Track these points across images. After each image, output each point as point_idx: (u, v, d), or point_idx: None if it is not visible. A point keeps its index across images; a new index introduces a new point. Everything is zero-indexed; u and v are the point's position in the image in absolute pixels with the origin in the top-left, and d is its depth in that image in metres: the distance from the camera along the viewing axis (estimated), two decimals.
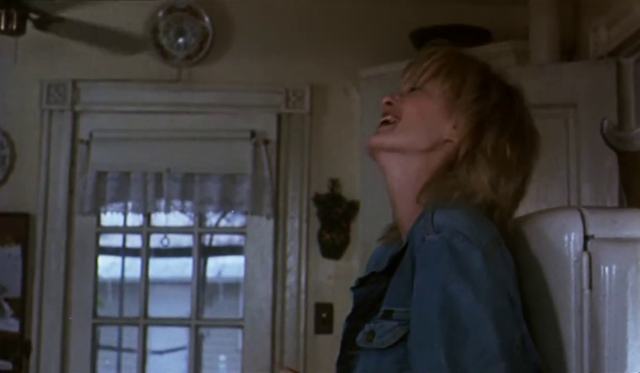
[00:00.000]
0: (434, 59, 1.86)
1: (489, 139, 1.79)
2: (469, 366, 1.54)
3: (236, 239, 6.04)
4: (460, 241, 1.61)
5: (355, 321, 1.79)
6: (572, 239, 1.68)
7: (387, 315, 1.70)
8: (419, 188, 1.77)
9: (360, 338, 1.74)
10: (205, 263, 5.76)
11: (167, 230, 5.46)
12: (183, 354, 5.49)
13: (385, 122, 1.84)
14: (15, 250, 4.82)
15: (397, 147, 1.80)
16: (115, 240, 5.65)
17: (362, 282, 1.80)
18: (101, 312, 5.18)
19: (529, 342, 1.61)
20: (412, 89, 1.85)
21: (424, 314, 1.60)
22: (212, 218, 5.57)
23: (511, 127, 1.85)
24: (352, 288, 1.81)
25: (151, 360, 5.40)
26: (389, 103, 1.84)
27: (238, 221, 5.32)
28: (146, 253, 5.07)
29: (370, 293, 1.77)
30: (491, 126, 1.81)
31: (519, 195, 1.84)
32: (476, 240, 1.62)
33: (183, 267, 5.87)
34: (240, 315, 5.05)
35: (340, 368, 1.80)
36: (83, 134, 4.93)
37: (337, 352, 1.81)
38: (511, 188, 1.81)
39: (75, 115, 4.96)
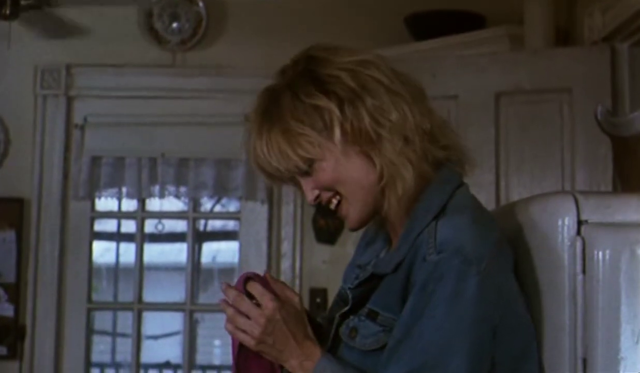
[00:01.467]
0: (264, 147, 1.75)
1: (368, 123, 1.71)
2: None
3: (231, 224, 6.04)
4: (460, 263, 1.62)
5: (347, 317, 1.80)
6: (566, 224, 1.69)
7: (373, 316, 1.72)
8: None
9: (343, 331, 1.77)
10: (199, 248, 5.77)
11: (161, 216, 5.46)
12: (178, 339, 5.50)
13: (333, 203, 1.79)
14: (10, 235, 4.81)
15: (370, 208, 1.77)
16: (109, 226, 5.65)
17: (360, 284, 1.79)
18: (96, 297, 5.19)
19: (500, 367, 1.64)
20: (301, 172, 1.77)
21: (414, 337, 1.62)
22: (206, 204, 5.58)
23: (363, 91, 1.73)
24: (350, 289, 1.80)
25: (146, 345, 5.41)
26: (317, 196, 1.79)
27: (232, 206, 5.32)
28: (141, 238, 5.07)
29: (366, 292, 1.77)
30: (356, 111, 1.72)
31: (435, 124, 1.77)
32: (476, 260, 1.62)
33: (177, 252, 5.87)
34: None
35: None
36: (77, 119, 4.92)
37: (328, 344, 1.80)
38: (425, 127, 1.75)
39: (70, 100, 4.95)
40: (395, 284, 1.70)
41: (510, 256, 1.71)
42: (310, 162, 1.74)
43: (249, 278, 1.79)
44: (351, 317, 1.77)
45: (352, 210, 1.77)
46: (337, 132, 1.72)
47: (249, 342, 1.76)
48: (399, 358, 1.63)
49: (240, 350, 1.79)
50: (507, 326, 1.65)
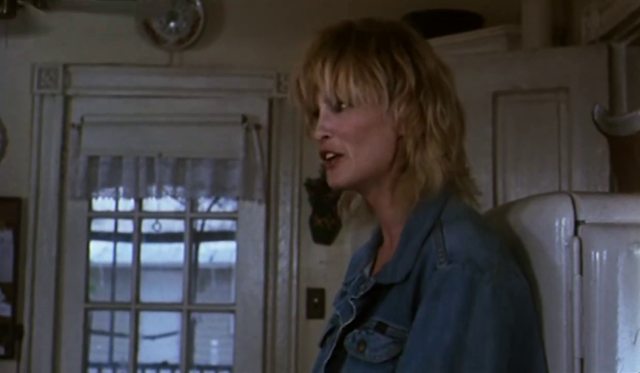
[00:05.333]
0: (331, 60, 1.72)
1: (430, 116, 1.71)
2: None
3: (228, 224, 6.05)
4: (473, 273, 1.60)
5: (351, 329, 1.76)
6: (563, 224, 1.68)
7: (382, 329, 1.69)
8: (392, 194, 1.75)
9: (349, 344, 1.73)
10: (197, 248, 5.77)
11: (158, 216, 5.46)
12: (175, 339, 5.50)
13: (335, 156, 1.75)
14: (7, 234, 4.81)
15: (360, 178, 1.74)
16: (107, 225, 5.65)
17: (364, 295, 1.76)
18: (93, 297, 5.18)
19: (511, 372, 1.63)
20: (333, 105, 1.73)
21: (428, 348, 1.59)
22: (203, 204, 5.58)
23: (439, 91, 1.75)
24: (354, 300, 1.77)
25: (143, 345, 5.42)
26: (325, 137, 1.73)
27: (230, 206, 5.32)
28: (138, 238, 5.07)
29: (370, 303, 1.74)
30: (426, 102, 1.72)
31: (462, 155, 1.78)
32: (488, 267, 1.62)
33: (175, 252, 5.88)
34: (232, 300, 5.06)
35: (327, 370, 1.77)
36: (74, 119, 4.92)
37: (329, 354, 1.77)
38: (457, 152, 1.75)
39: (67, 100, 4.95)
40: (404, 295, 1.67)
41: (512, 256, 1.71)
42: (352, 103, 1.71)
43: None
44: (356, 330, 1.73)
45: (350, 170, 1.73)
46: (397, 102, 1.71)
47: None
48: (415, 369, 1.60)
49: None
50: (519, 333, 1.64)
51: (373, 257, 1.85)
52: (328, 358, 1.77)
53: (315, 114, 1.77)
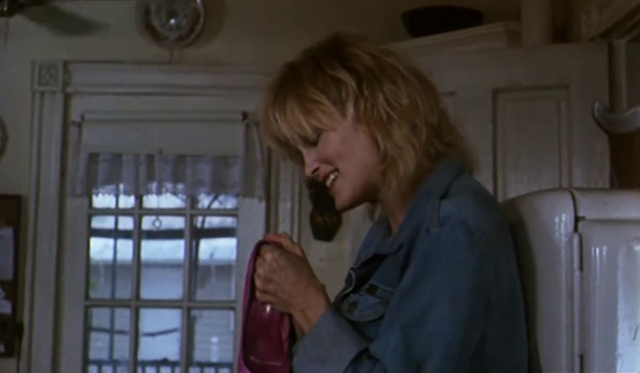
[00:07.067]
0: (278, 109, 1.81)
1: (381, 104, 1.77)
2: (417, 354, 1.61)
3: (228, 221, 6.05)
4: (463, 233, 1.65)
5: (348, 296, 1.84)
6: (563, 220, 1.69)
7: (372, 290, 1.76)
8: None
9: (343, 307, 1.81)
10: (197, 245, 5.77)
11: (159, 212, 5.47)
12: (175, 336, 5.51)
13: (330, 178, 1.83)
14: (7, 232, 4.81)
15: (361, 188, 1.81)
16: (107, 222, 5.65)
17: (363, 264, 1.84)
18: (93, 294, 5.18)
19: (491, 346, 1.66)
20: (305, 142, 1.82)
21: (411, 299, 1.65)
22: (204, 201, 5.58)
23: (383, 75, 1.80)
24: (353, 269, 1.85)
25: (143, 342, 5.42)
26: (316, 170, 1.84)
27: (230, 203, 5.32)
28: (138, 235, 5.06)
29: (368, 273, 1.81)
30: (372, 92, 1.78)
31: (443, 122, 1.84)
32: (479, 233, 1.65)
33: (175, 249, 5.89)
34: (233, 297, 5.06)
35: None
36: (75, 116, 4.91)
37: None
38: (433, 121, 1.80)
39: (67, 97, 4.94)
40: (397, 260, 1.73)
41: (511, 245, 1.73)
42: (319, 132, 1.79)
43: (264, 242, 1.89)
44: (351, 295, 1.81)
45: (347, 188, 1.81)
46: (351, 107, 1.78)
47: (257, 294, 1.86)
48: (397, 318, 1.65)
49: (248, 321, 1.85)
50: (500, 306, 1.67)
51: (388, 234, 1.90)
52: None
53: (298, 152, 1.86)
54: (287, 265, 1.81)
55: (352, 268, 1.86)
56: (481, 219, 1.67)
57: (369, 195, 1.83)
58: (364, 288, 1.78)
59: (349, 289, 1.83)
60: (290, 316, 1.83)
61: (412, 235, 1.71)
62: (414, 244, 1.70)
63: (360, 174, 1.79)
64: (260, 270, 1.84)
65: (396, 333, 1.63)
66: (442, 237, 1.65)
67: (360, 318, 1.75)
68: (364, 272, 1.81)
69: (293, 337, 1.84)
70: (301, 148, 1.84)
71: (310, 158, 1.83)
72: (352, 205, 1.85)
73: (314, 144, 1.81)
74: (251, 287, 1.88)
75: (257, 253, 1.87)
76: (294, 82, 1.81)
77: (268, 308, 1.87)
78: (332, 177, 1.82)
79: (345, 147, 1.79)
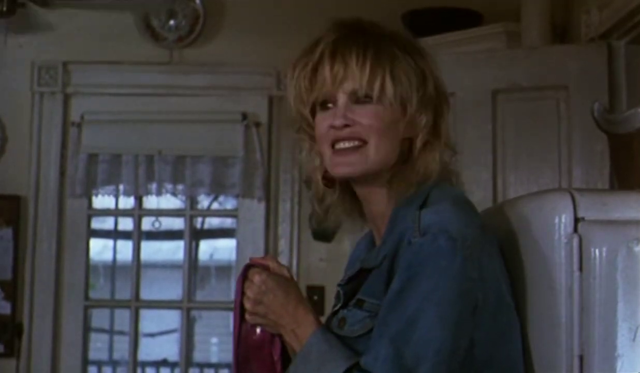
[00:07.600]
0: (369, 54, 1.77)
1: (444, 124, 1.81)
2: (407, 363, 1.61)
3: (228, 222, 6.05)
4: (445, 240, 1.65)
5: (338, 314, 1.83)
6: (563, 221, 1.69)
7: (360, 305, 1.75)
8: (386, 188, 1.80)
9: (333, 323, 1.80)
10: (197, 246, 5.77)
11: (158, 213, 5.46)
12: (175, 337, 5.50)
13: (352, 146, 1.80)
14: (7, 232, 4.81)
15: (372, 171, 1.79)
16: (106, 223, 5.65)
17: (350, 279, 1.83)
18: (93, 295, 5.18)
19: (480, 348, 1.66)
20: (357, 98, 1.77)
21: (397, 310, 1.65)
22: (203, 201, 5.58)
23: (444, 100, 1.84)
24: (340, 285, 1.85)
25: (143, 342, 5.42)
26: (346, 125, 1.77)
27: (229, 204, 5.32)
28: (138, 236, 5.07)
29: (355, 288, 1.80)
30: (441, 111, 1.81)
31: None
32: (461, 238, 1.65)
33: (175, 250, 5.88)
34: (232, 298, 5.04)
35: None
36: (74, 117, 4.91)
37: None
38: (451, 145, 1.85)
39: (67, 98, 4.94)
40: (382, 273, 1.73)
41: (495, 241, 1.74)
42: (380, 99, 1.76)
43: (251, 265, 1.87)
44: (340, 311, 1.81)
45: (363, 161, 1.77)
46: (421, 107, 1.78)
47: (247, 317, 1.84)
48: (385, 329, 1.65)
49: (240, 343, 1.83)
50: (487, 309, 1.67)
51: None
52: None
53: (323, 104, 1.80)
54: (275, 287, 1.81)
55: (339, 285, 1.85)
56: (462, 225, 1.67)
57: (364, 180, 1.81)
58: (352, 303, 1.77)
59: (338, 305, 1.82)
60: (280, 337, 1.82)
61: (395, 246, 1.71)
62: (397, 256, 1.70)
63: (380, 159, 1.77)
64: (249, 293, 1.83)
65: (385, 345, 1.63)
66: (425, 246, 1.65)
67: (350, 333, 1.75)
68: (352, 287, 1.81)
69: (286, 358, 1.84)
70: (344, 98, 1.77)
71: (350, 113, 1.76)
72: (354, 178, 1.81)
73: (361, 103, 1.76)
74: (240, 309, 1.87)
75: (244, 276, 1.86)
76: (390, 44, 1.78)
77: (258, 330, 1.86)
78: (356, 143, 1.77)
79: (389, 129, 1.76)
